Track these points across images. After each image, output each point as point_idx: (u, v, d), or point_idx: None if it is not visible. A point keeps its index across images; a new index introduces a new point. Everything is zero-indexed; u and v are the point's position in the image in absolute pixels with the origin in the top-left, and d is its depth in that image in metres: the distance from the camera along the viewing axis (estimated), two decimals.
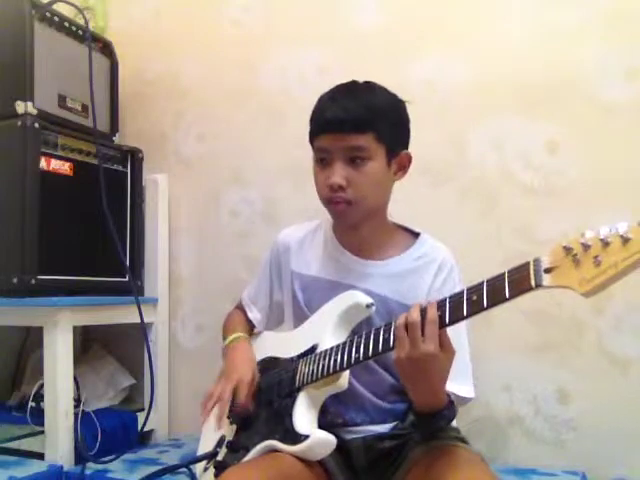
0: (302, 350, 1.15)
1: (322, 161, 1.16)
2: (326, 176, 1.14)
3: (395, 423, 1.17)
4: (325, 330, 1.13)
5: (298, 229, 1.35)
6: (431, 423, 1.03)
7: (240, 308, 1.43)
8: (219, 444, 1.20)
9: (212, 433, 1.25)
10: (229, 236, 1.96)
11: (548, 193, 1.58)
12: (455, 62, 1.68)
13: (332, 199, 1.14)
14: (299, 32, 1.88)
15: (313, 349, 1.13)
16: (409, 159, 1.20)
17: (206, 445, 1.25)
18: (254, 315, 1.37)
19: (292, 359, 1.17)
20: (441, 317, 0.93)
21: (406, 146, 1.20)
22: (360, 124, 1.11)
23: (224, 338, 1.35)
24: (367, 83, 1.18)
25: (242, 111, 1.96)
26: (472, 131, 1.66)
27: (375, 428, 1.17)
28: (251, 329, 1.38)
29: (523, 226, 1.59)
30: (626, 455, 1.48)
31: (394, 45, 1.73)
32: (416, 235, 1.24)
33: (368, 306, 1.10)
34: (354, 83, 1.18)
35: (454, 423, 1.21)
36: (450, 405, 1.03)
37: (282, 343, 1.24)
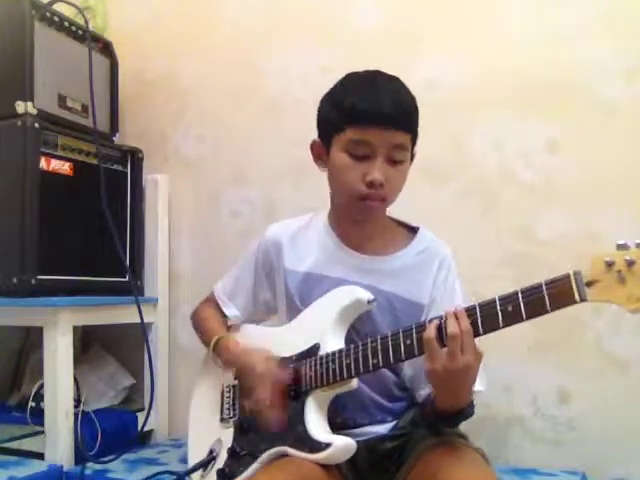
0: (301, 349, 1.12)
1: (357, 154, 1.09)
2: (364, 171, 1.09)
3: (395, 423, 1.17)
4: (325, 328, 1.11)
5: (288, 225, 1.29)
6: (451, 420, 1.05)
7: (211, 303, 1.36)
8: (215, 448, 1.18)
9: (204, 435, 1.22)
10: (229, 236, 1.95)
11: (548, 193, 1.58)
12: (455, 62, 1.68)
13: (369, 196, 1.10)
14: (299, 32, 1.88)
15: (314, 349, 1.10)
16: (414, 157, 1.19)
17: (199, 448, 1.22)
18: (232, 312, 1.31)
19: (290, 359, 1.13)
20: (475, 326, 0.92)
21: None
22: (409, 122, 1.09)
23: (205, 339, 1.29)
24: (391, 76, 1.14)
25: (242, 111, 1.96)
26: (472, 131, 1.66)
27: (376, 429, 1.16)
28: (227, 327, 1.32)
29: (523, 226, 1.59)
30: (626, 455, 1.48)
31: (394, 45, 1.73)
32: (414, 230, 1.23)
33: (370, 302, 1.09)
34: (382, 75, 1.13)
35: None
36: (471, 402, 1.03)
37: (273, 340, 1.19)
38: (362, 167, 1.09)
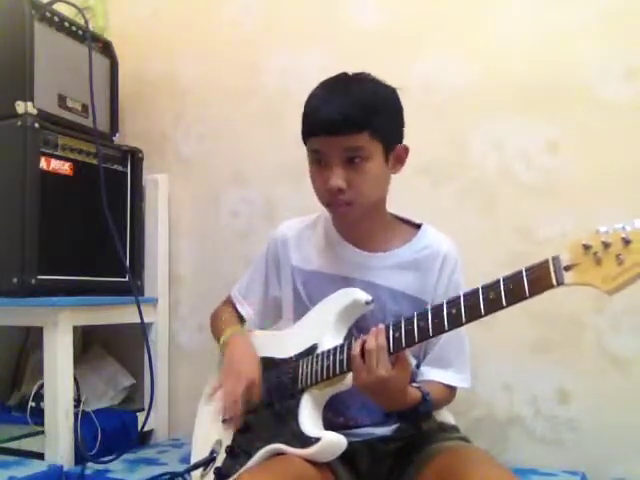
0: (300, 350, 1.14)
1: (318, 162, 1.13)
2: (324, 179, 1.11)
3: (397, 424, 1.17)
4: (324, 329, 1.12)
5: (296, 223, 1.32)
6: (405, 419, 1.08)
7: (229, 304, 1.38)
8: (215, 449, 1.18)
9: (206, 436, 1.23)
10: (229, 236, 1.96)
11: (548, 193, 1.58)
12: (455, 62, 1.68)
13: (333, 202, 1.13)
14: (299, 32, 1.88)
15: (312, 349, 1.11)
16: (406, 151, 1.17)
17: (201, 449, 1.22)
18: (246, 310, 1.33)
19: (290, 359, 1.15)
20: (458, 315, 0.92)
21: (402, 137, 1.17)
22: (354, 124, 1.08)
23: (217, 335, 1.30)
24: (357, 76, 1.15)
25: (242, 111, 1.96)
26: (472, 131, 1.66)
27: (376, 430, 1.16)
28: (242, 324, 1.34)
29: (523, 226, 1.59)
30: (626, 455, 1.48)
31: (394, 45, 1.73)
32: (417, 226, 1.23)
33: (368, 303, 1.09)
34: (344, 78, 1.15)
35: (452, 421, 1.23)
36: (423, 401, 1.05)
37: (277, 343, 1.21)
38: (324, 175, 1.12)
